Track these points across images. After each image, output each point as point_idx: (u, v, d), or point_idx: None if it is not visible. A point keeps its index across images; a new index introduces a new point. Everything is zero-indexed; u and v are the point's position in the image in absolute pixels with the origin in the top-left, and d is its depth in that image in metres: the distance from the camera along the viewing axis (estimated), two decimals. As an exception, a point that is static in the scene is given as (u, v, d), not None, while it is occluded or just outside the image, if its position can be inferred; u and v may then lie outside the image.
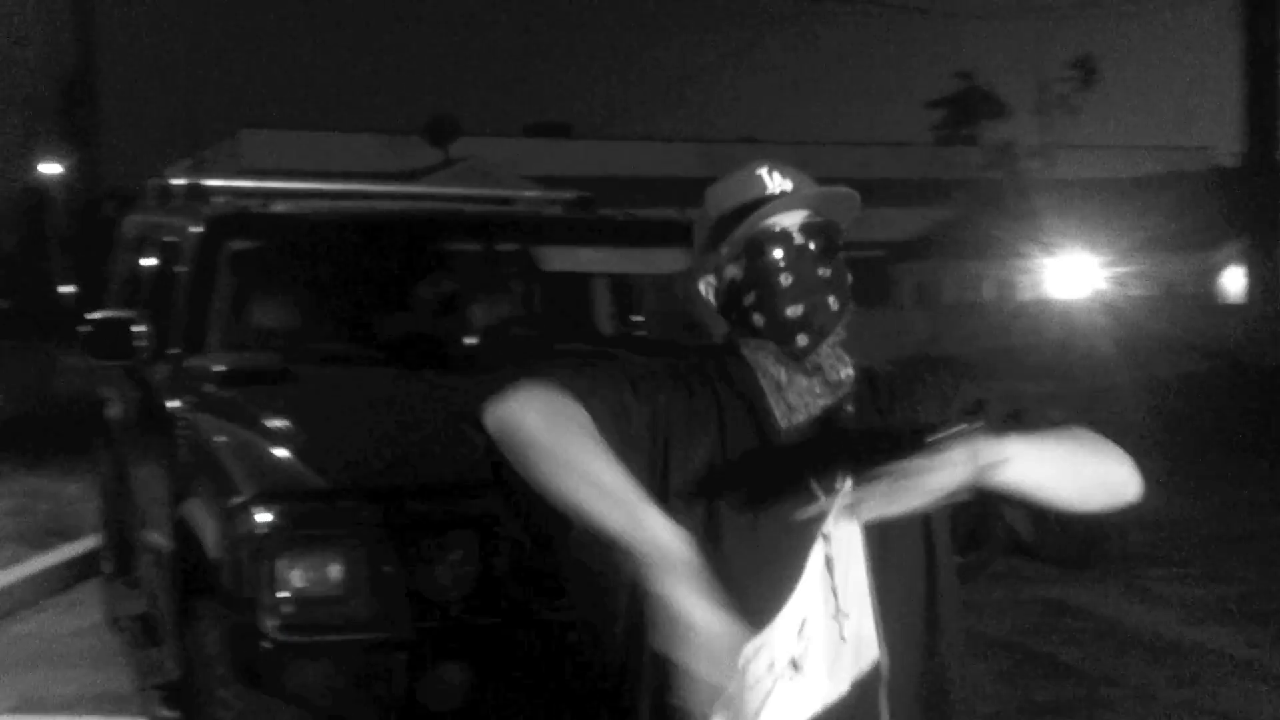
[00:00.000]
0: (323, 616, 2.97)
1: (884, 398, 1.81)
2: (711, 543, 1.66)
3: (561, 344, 4.51)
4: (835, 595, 1.67)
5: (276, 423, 3.41)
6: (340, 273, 4.49)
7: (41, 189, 35.18)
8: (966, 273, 34.66)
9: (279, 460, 3.26)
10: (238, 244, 4.31)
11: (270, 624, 2.92)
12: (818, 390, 1.76)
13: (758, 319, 1.75)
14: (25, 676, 5.33)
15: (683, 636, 1.48)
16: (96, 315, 4.20)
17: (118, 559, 5.68)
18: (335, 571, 2.99)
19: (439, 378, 3.90)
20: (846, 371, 1.78)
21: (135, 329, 4.13)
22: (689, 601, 1.49)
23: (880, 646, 1.68)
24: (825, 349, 1.76)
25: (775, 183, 1.78)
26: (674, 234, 4.95)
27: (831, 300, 1.75)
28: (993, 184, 31.56)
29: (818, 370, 1.76)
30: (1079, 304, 23.93)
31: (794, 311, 1.73)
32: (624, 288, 5.42)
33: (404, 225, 4.48)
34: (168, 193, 5.08)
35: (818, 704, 1.65)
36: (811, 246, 1.74)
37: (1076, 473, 1.65)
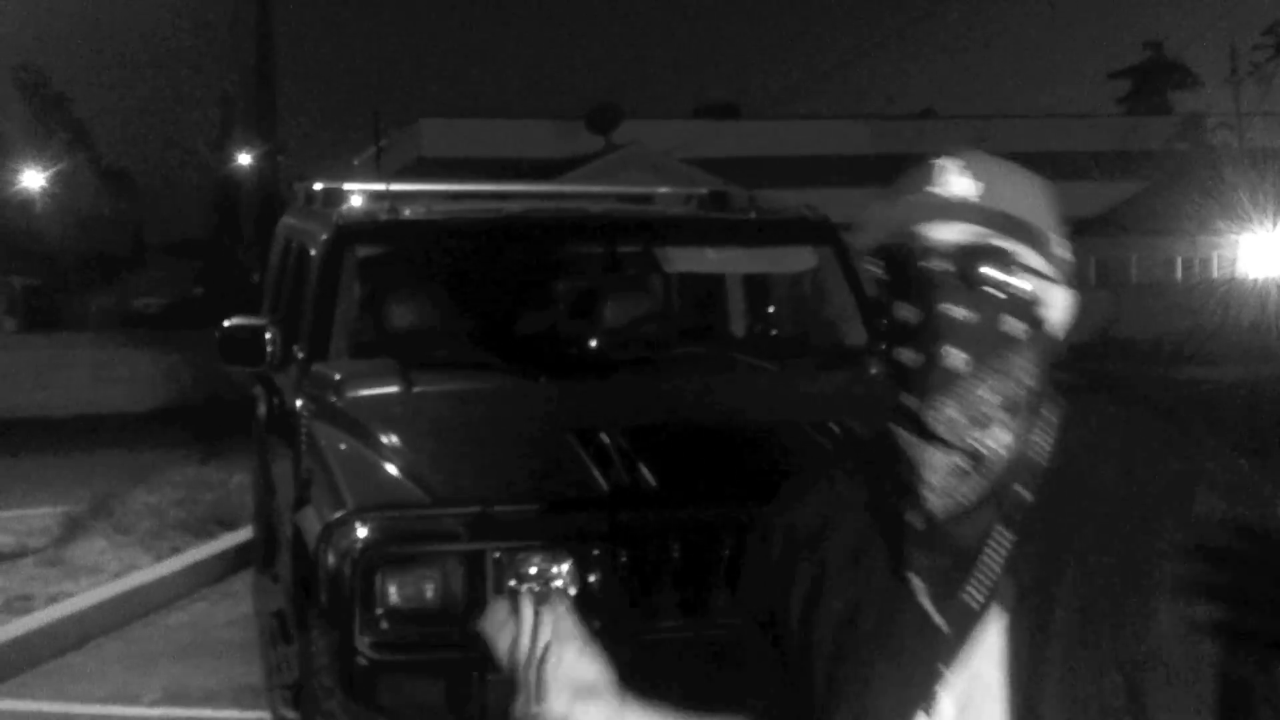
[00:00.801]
0: (418, 634, 2.96)
1: (1080, 506, 1.27)
2: (834, 697, 1.32)
3: (688, 346, 4.42)
4: None
5: (388, 435, 3.43)
6: (466, 277, 4.51)
7: (235, 180, 36.90)
8: (1154, 250, 33.01)
9: (385, 474, 3.27)
10: (365, 250, 4.35)
11: (366, 640, 2.93)
12: (963, 469, 1.26)
13: (891, 352, 1.29)
14: (172, 668, 5.55)
15: None
16: (229, 322, 4.30)
17: (265, 552, 5.85)
18: (432, 589, 2.98)
19: (558, 384, 3.87)
20: (1003, 442, 1.26)
21: (266, 335, 4.21)
22: None
23: None
24: (957, 417, 1.24)
25: (949, 180, 1.29)
26: (803, 231, 4.80)
27: (955, 354, 1.23)
28: (1182, 156, 29.97)
29: (951, 446, 1.25)
30: (1274, 282, 22.52)
31: (907, 357, 1.25)
32: (759, 284, 5.28)
33: (528, 229, 4.45)
34: (310, 196, 5.18)
35: None
36: (962, 276, 1.24)
37: None
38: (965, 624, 1.25)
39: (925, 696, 1.26)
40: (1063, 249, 1.32)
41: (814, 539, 1.37)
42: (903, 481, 1.28)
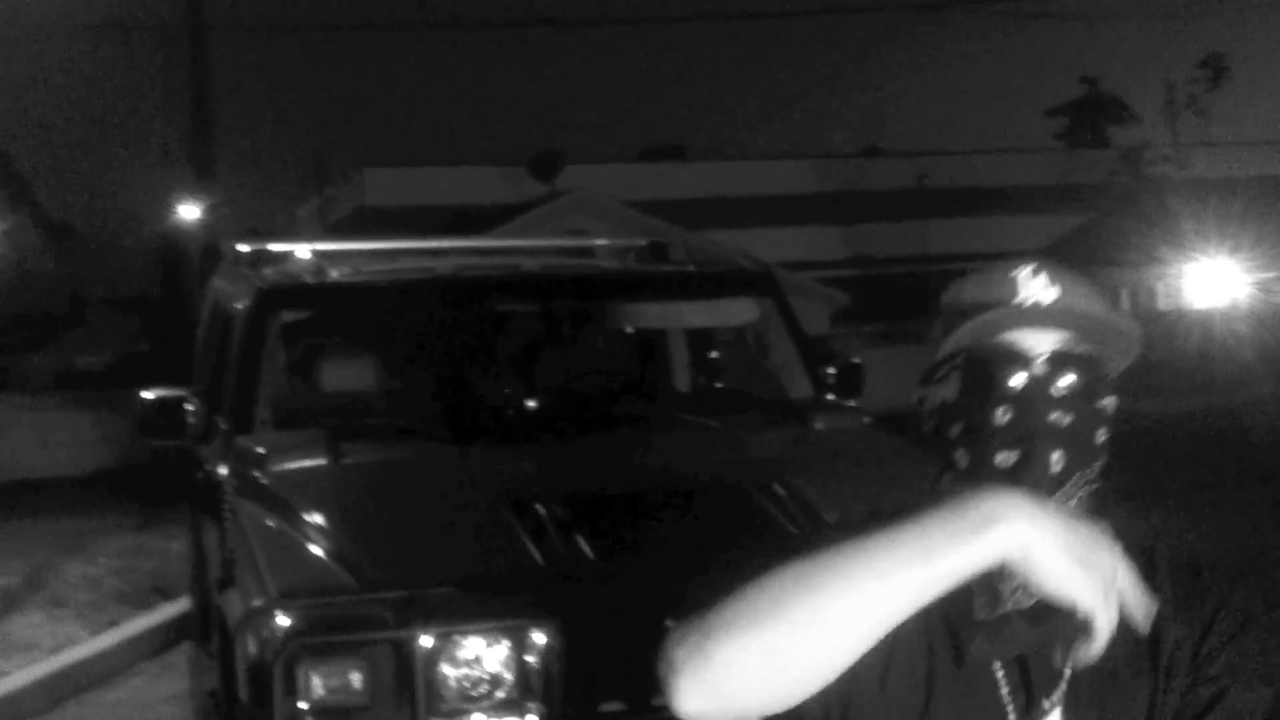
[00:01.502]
0: (346, 728, 2.80)
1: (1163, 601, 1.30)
2: None
3: (629, 404, 4.30)
4: None
5: (314, 513, 3.28)
6: (396, 340, 4.37)
7: (177, 234, 36.48)
8: (1099, 282, 33.33)
9: (310, 556, 3.12)
10: (290, 314, 4.20)
11: None
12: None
13: (961, 458, 1.32)
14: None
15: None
16: (147, 393, 4.13)
17: (201, 625, 5.64)
18: (358, 678, 2.82)
19: (494, 449, 3.74)
20: None
21: (187, 407, 4.04)
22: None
23: None
24: None
25: (1033, 288, 1.32)
26: (742, 283, 4.71)
27: (1056, 456, 1.27)
28: (1124, 188, 30.42)
29: None
30: (1219, 312, 22.80)
31: (1004, 459, 1.28)
32: (701, 337, 5.17)
33: (458, 288, 4.32)
34: (237, 257, 5.02)
35: None
36: (1057, 382, 1.28)
37: None
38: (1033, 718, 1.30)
39: None
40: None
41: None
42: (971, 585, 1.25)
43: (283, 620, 2.86)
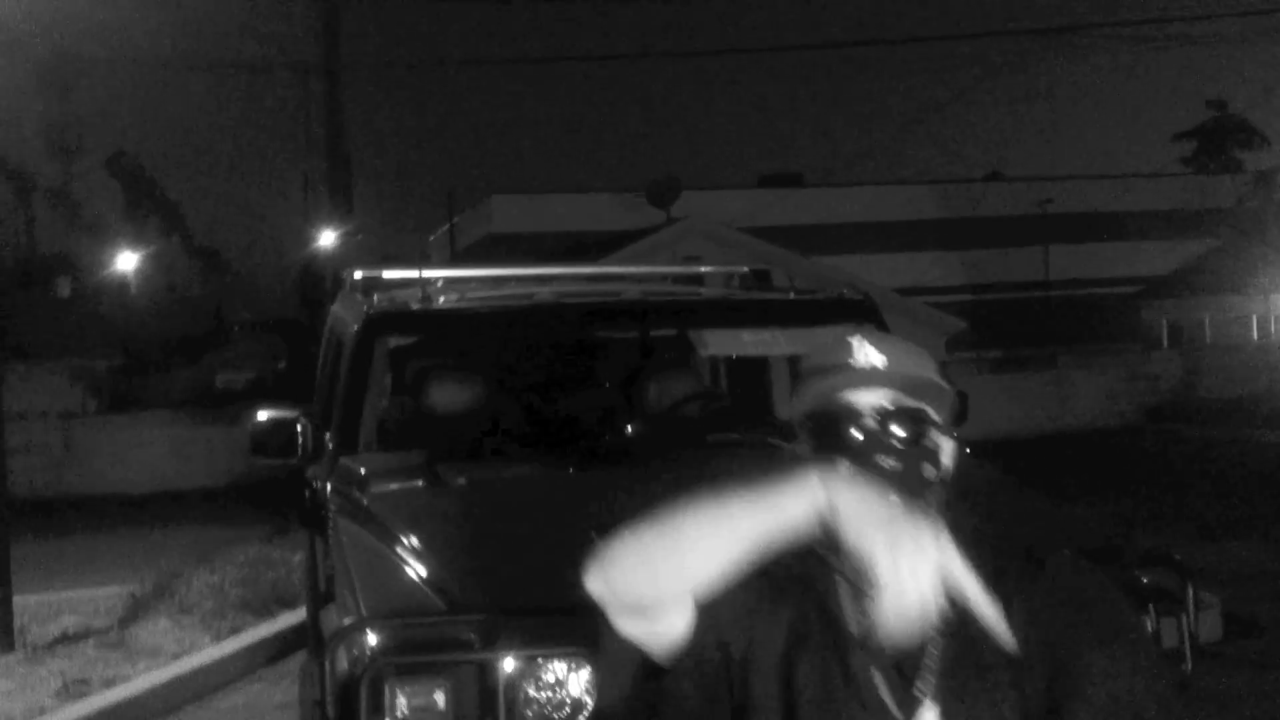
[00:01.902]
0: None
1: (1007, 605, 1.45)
2: None
3: (726, 432, 4.24)
4: None
5: (409, 534, 3.30)
6: (499, 365, 4.38)
7: (313, 262, 37.56)
8: (1228, 309, 32.17)
9: (402, 577, 3.13)
10: (396, 340, 4.26)
11: None
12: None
13: None
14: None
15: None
16: (260, 413, 4.22)
17: (313, 636, 5.74)
18: (443, 699, 2.82)
19: (589, 474, 3.72)
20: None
21: (298, 428, 4.12)
22: None
23: None
24: None
25: (862, 354, 1.55)
26: (841, 311, 4.63)
27: (893, 493, 1.47)
28: (1254, 213, 29.27)
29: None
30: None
31: None
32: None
33: (559, 315, 4.32)
34: (352, 284, 5.11)
35: None
36: (885, 433, 1.51)
37: None
38: (912, 712, 1.49)
39: None
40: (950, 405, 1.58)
41: (746, 653, 1.56)
42: (832, 598, 1.54)
43: (371, 639, 2.87)
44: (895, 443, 1.50)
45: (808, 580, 1.56)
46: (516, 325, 4.31)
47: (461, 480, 3.69)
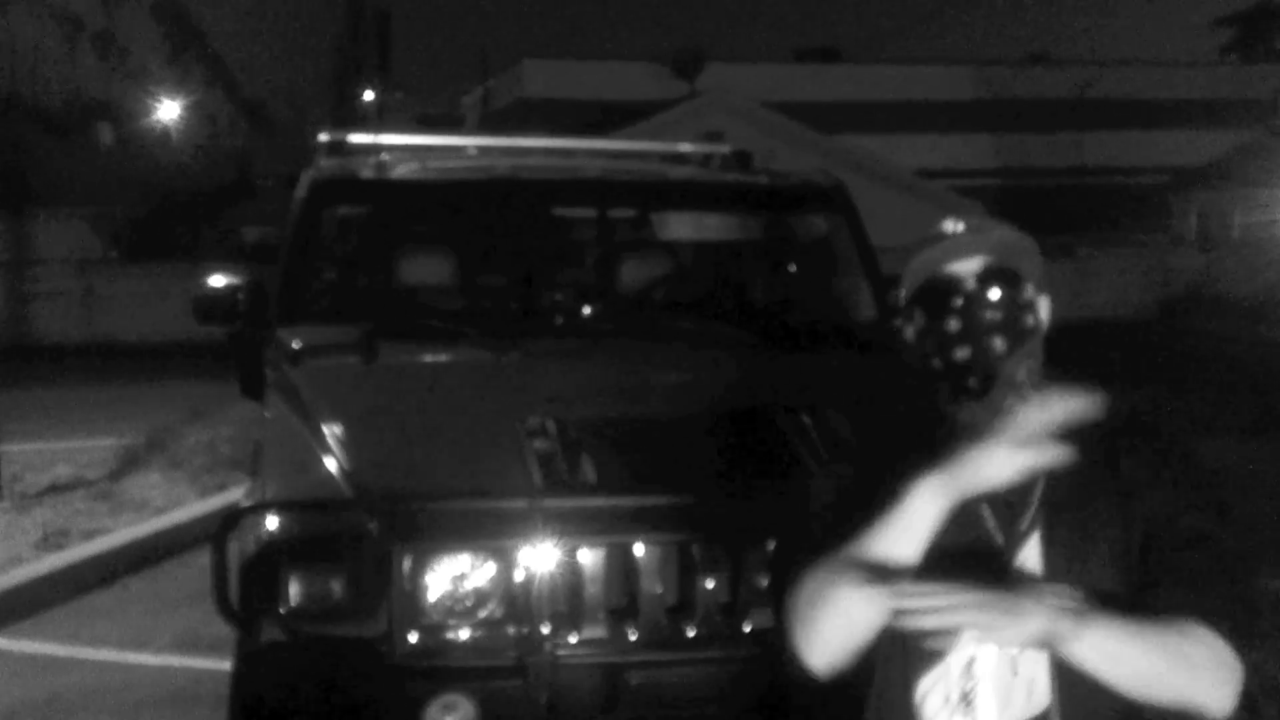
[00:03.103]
0: (319, 631, 2.68)
1: (1090, 460, 1.68)
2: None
3: (676, 320, 4.02)
4: None
5: (332, 416, 3.14)
6: (450, 240, 4.15)
7: (349, 120, 36.94)
8: (1258, 205, 31.29)
9: (313, 461, 2.97)
10: (345, 209, 4.04)
11: (267, 635, 2.67)
12: (999, 422, 1.67)
13: (936, 363, 1.74)
14: (190, 612, 5.39)
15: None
16: (205, 279, 4.04)
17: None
18: (338, 588, 2.69)
19: (531, 360, 3.54)
20: (1019, 399, 1.72)
21: (239, 295, 3.94)
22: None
23: (1052, 692, 1.67)
24: (1004, 389, 1.71)
25: (950, 226, 1.77)
26: (812, 198, 4.37)
27: (998, 342, 1.71)
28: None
29: (1000, 410, 1.69)
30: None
31: (961, 354, 1.72)
32: (775, 254, 4.84)
33: (511, 189, 4.08)
34: (318, 147, 4.86)
35: None
36: (986, 293, 1.72)
37: (1153, 678, 1.60)
38: (1017, 542, 1.70)
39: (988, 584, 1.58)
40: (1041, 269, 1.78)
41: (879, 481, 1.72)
42: (950, 440, 1.69)
43: (270, 524, 2.74)
44: (993, 299, 1.70)
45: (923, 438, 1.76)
46: (469, 198, 4.07)
47: (397, 360, 3.52)
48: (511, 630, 2.70)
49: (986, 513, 1.71)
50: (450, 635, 2.70)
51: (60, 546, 6.29)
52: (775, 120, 20.18)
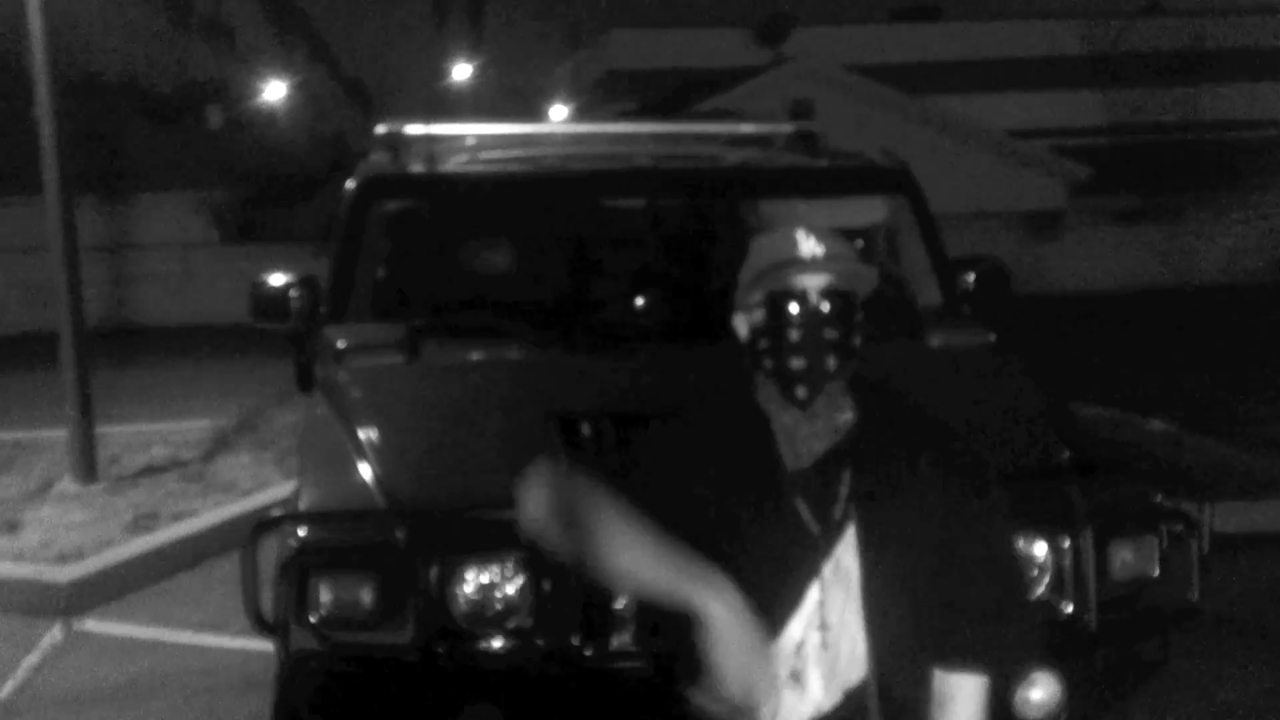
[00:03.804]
0: (350, 640, 2.68)
1: (895, 456, 1.92)
2: (726, 574, 1.79)
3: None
4: (828, 616, 1.85)
5: (372, 416, 3.14)
6: (495, 234, 4.10)
7: (446, 96, 37.10)
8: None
9: (349, 467, 2.96)
10: (392, 205, 4.02)
11: (299, 642, 2.67)
12: (820, 434, 1.89)
13: (768, 363, 1.89)
14: (227, 600, 5.43)
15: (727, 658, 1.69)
16: (259, 277, 4.07)
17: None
18: (368, 597, 2.68)
19: (572, 360, 3.48)
20: (845, 416, 1.91)
21: (291, 293, 3.95)
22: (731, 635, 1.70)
23: (869, 663, 1.85)
24: (824, 399, 1.88)
25: (807, 247, 1.88)
26: (874, 181, 4.23)
27: (831, 360, 1.87)
28: None
29: (817, 418, 1.89)
30: None
31: (797, 364, 1.86)
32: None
33: (561, 184, 4.00)
34: (374, 140, 4.84)
35: (813, 711, 1.86)
36: (825, 309, 1.86)
37: None
38: (832, 531, 1.86)
39: (808, 581, 1.85)
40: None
41: (691, 463, 1.92)
42: (759, 442, 1.90)
43: (300, 533, 2.75)
44: (833, 317, 1.86)
45: (730, 418, 1.95)
46: (516, 192, 4.02)
47: (440, 359, 3.49)
48: (541, 641, 2.67)
49: (802, 506, 1.87)
50: (479, 645, 2.68)
51: (149, 529, 6.46)
52: (864, 85, 19.74)
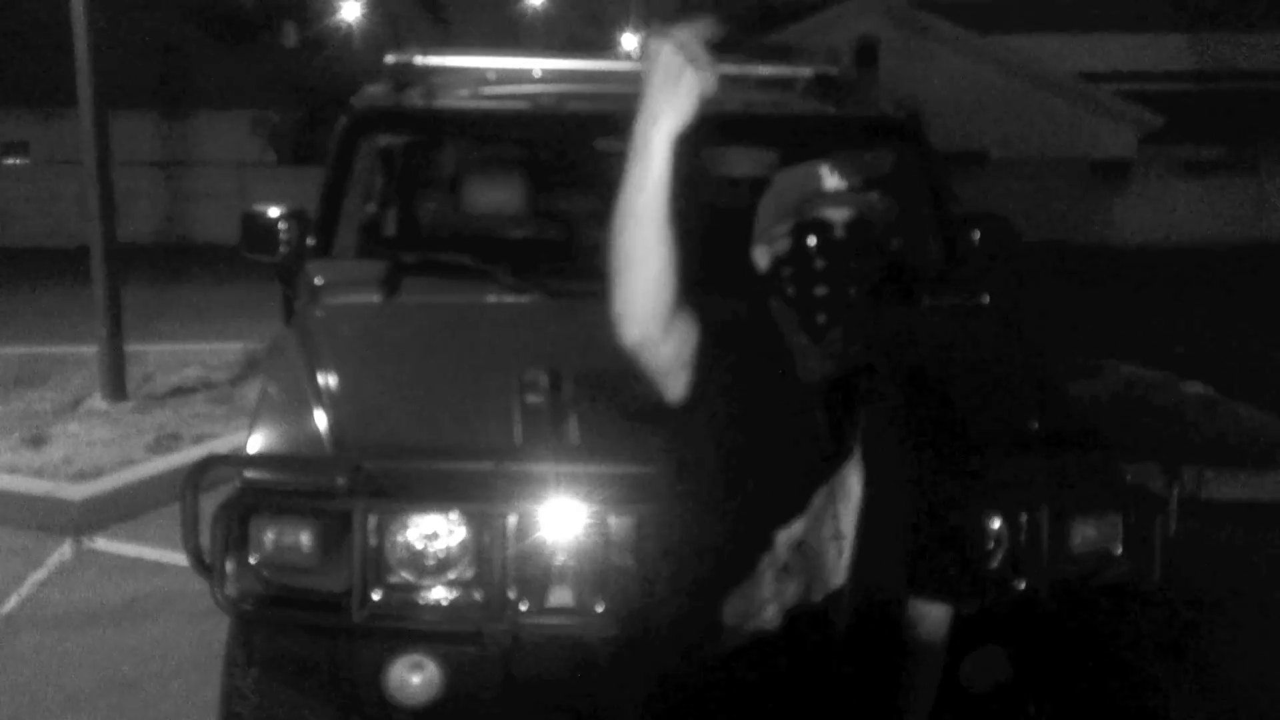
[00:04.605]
0: (287, 586, 2.65)
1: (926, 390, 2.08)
2: (732, 474, 1.92)
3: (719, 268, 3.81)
4: (825, 526, 1.92)
5: (337, 357, 3.08)
6: (492, 173, 4.00)
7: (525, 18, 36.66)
8: None
9: (303, 410, 2.91)
10: (387, 138, 3.93)
11: (235, 586, 2.65)
12: (834, 358, 1.95)
13: (790, 290, 1.94)
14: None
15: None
16: (251, 208, 4.02)
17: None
18: (307, 541, 2.65)
19: (547, 304, 3.39)
20: (856, 348, 1.97)
21: (280, 225, 3.90)
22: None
23: (850, 574, 1.93)
24: (839, 330, 1.93)
25: (832, 181, 1.93)
26: (879, 131, 4.06)
27: (853, 289, 1.91)
28: None
29: (833, 344, 1.94)
30: None
31: (820, 291, 1.91)
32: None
33: (550, 122, 3.88)
34: (385, 72, 4.73)
35: (794, 602, 1.92)
36: (849, 240, 1.91)
37: None
38: (842, 449, 1.93)
39: (814, 488, 1.92)
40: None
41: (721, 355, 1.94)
42: (787, 355, 1.97)
43: (241, 475, 2.72)
44: (855, 248, 1.90)
45: (756, 327, 2.00)
46: (509, 129, 3.91)
47: (414, 298, 3.42)
48: (478, 595, 2.62)
49: (819, 417, 1.94)
50: (416, 596, 2.63)
51: (170, 450, 6.53)
52: (933, 22, 19.13)
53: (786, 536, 1.92)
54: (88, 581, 5.10)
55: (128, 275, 7.92)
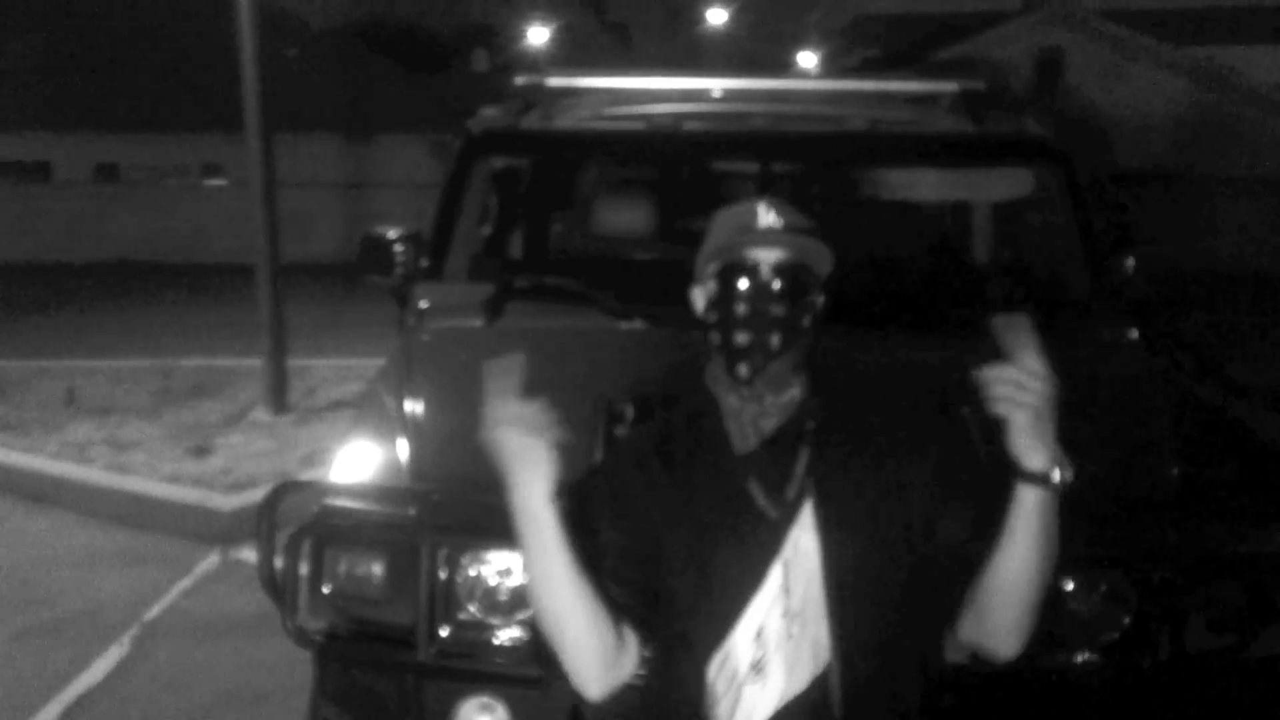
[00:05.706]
0: (356, 618, 2.59)
1: (855, 433, 1.87)
2: (686, 565, 1.82)
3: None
4: (790, 600, 1.77)
5: (430, 381, 3.03)
6: (602, 194, 3.90)
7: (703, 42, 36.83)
8: None
9: (388, 440, 2.86)
10: (501, 162, 3.87)
11: (306, 617, 2.60)
12: (767, 413, 1.83)
13: (715, 337, 1.85)
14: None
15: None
16: (369, 230, 4.01)
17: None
18: (378, 573, 2.58)
19: (649, 333, 3.26)
20: (793, 394, 1.84)
21: (396, 248, 3.88)
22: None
23: (833, 648, 1.76)
24: (767, 378, 1.81)
25: (766, 219, 1.83)
26: (1019, 152, 3.77)
27: (775, 338, 1.79)
28: None
29: (761, 397, 1.82)
30: None
31: (740, 339, 1.80)
32: (973, 216, 4.21)
33: (669, 145, 3.72)
34: (511, 93, 4.69)
35: (779, 701, 1.77)
36: (776, 285, 1.79)
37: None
38: (788, 512, 1.79)
39: (766, 565, 1.78)
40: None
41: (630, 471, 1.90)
42: (716, 424, 1.86)
43: (317, 502, 2.67)
44: (781, 294, 1.79)
45: (686, 404, 1.92)
46: (623, 151, 3.77)
47: (517, 324, 3.33)
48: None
49: (755, 488, 1.80)
50: (486, 635, 2.53)
51: (322, 464, 6.66)
52: (1120, 34, 18.16)
53: (748, 628, 1.77)
54: (229, 592, 5.22)
55: (306, 292, 8.15)
